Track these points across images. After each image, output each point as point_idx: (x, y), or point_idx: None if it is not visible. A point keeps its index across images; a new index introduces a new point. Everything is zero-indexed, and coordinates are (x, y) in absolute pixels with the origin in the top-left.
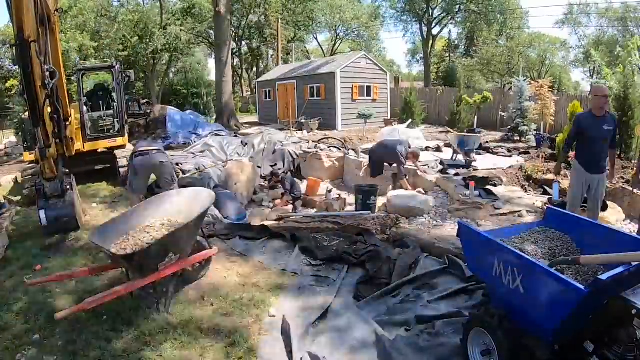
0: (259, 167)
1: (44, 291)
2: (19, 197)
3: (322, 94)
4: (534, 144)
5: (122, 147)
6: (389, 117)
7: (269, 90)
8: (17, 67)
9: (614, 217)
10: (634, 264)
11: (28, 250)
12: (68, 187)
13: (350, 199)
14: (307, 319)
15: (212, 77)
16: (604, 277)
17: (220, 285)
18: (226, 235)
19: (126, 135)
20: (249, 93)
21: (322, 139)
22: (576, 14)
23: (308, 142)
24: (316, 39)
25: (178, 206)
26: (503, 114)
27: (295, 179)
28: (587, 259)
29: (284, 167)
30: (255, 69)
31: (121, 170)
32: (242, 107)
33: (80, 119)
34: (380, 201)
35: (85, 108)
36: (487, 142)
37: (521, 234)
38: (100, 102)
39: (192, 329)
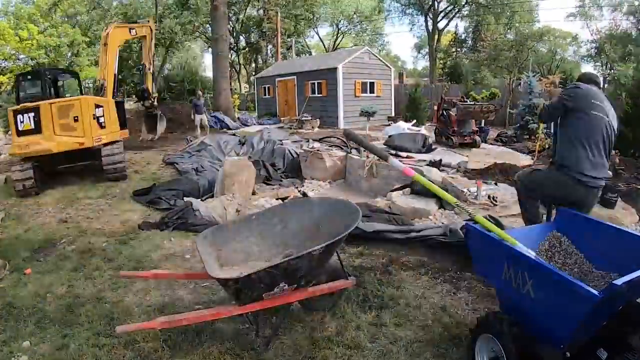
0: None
1: (35, 295)
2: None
3: (323, 90)
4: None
5: (114, 143)
6: (392, 115)
7: (268, 87)
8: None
9: (627, 218)
10: None
11: (18, 254)
12: None
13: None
14: None
15: (209, 72)
16: (618, 282)
17: None
18: None
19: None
20: (248, 89)
21: (324, 137)
22: (588, 6)
23: (308, 141)
24: (317, 33)
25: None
26: (512, 111)
27: None
28: None
29: (283, 166)
30: (254, 65)
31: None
32: (240, 104)
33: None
34: (382, 202)
35: None
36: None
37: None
38: None
39: None
